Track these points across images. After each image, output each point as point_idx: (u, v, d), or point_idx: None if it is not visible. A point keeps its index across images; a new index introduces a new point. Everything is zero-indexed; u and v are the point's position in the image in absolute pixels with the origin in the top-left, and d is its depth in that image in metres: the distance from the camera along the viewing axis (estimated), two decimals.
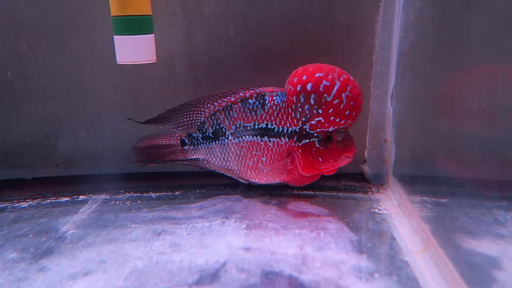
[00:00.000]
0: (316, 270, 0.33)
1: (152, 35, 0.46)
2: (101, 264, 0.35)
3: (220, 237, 0.40)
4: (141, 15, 0.45)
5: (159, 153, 0.50)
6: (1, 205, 0.48)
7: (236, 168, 0.48)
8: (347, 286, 0.31)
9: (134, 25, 0.45)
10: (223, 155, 0.48)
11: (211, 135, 0.47)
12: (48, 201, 0.49)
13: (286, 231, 0.40)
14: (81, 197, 0.50)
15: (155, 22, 0.48)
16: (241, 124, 0.46)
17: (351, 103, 0.42)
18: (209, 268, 0.34)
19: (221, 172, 0.50)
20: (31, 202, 0.49)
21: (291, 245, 0.38)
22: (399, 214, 0.44)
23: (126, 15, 0.44)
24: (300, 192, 0.51)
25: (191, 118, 0.48)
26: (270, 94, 0.45)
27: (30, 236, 0.41)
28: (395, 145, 0.51)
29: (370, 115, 0.53)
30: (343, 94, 0.42)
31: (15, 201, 0.49)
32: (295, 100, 0.43)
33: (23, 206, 0.48)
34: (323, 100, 0.42)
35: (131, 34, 0.45)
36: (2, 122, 0.51)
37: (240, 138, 0.46)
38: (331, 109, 0.42)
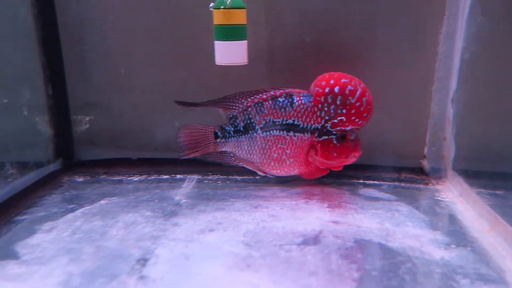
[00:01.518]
0: (400, 240, 0.40)
1: (246, 41, 0.54)
2: (220, 225, 0.44)
3: (308, 212, 0.47)
4: (239, 24, 0.53)
5: (195, 143, 0.54)
6: (118, 178, 0.58)
7: (259, 160, 0.54)
8: (430, 252, 0.38)
9: (233, 32, 0.53)
10: (249, 148, 0.54)
11: (241, 129, 0.53)
12: (153, 177, 0.58)
13: (364, 211, 0.48)
14: (178, 176, 0.59)
15: None
16: (271, 120, 0.52)
17: (368, 106, 0.51)
18: (309, 233, 0.42)
19: (243, 165, 0.55)
20: (140, 177, 0.58)
21: (371, 221, 0.45)
22: (462, 202, 0.50)
23: (227, 24, 0.52)
24: (365, 181, 0.58)
25: (227, 111, 0.54)
26: (298, 94, 0.53)
27: (156, 201, 0.50)
28: (455, 142, 0.57)
29: (431, 115, 0.59)
30: (364, 98, 0.51)
31: (126, 176, 0.59)
32: (322, 100, 0.51)
33: (134, 180, 0.58)
34: (347, 101, 0.50)
35: (230, 40, 0.53)
36: (113, 112, 0.61)
37: (267, 132, 0.53)
38: (353, 110, 0.51)
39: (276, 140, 0.52)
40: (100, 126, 0.62)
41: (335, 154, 0.52)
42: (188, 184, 0.56)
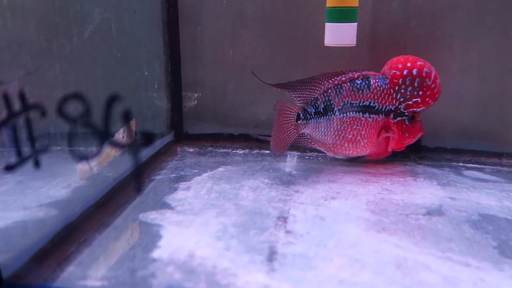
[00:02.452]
0: None
1: (356, 23, 0.56)
2: (338, 194, 0.47)
3: (421, 188, 0.49)
4: (351, 7, 0.55)
5: (282, 122, 0.53)
6: (224, 150, 0.63)
7: (332, 141, 0.55)
8: None
9: (345, 15, 0.55)
10: (326, 130, 0.55)
11: (322, 111, 0.54)
12: (255, 151, 0.63)
13: (476, 190, 0.49)
14: None
15: None
16: (349, 101, 0.54)
17: (440, 89, 0.53)
18: (429, 206, 0.44)
19: (316, 146, 0.56)
20: (244, 151, 0.63)
21: (489, 199, 0.46)
22: None
23: (340, 6, 0.55)
24: (466, 165, 0.59)
25: (310, 92, 0.54)
26: (374, 77, 0.54)
27: (270, 171, 0.54)
28: None
29: None
30: (437, 81, 0.53)
31: (231, 149, 0.63)
32: (400, 83, 0.53)
33: (240, 152, 0.62)
34: (424, 83, 0.52)
35: (342, 22, 0.55)
36: (218, 90, 0.66)
37: (345, 114, 0.54)
38: (429, 92, 0.53)
39: (352, 122, 0.54)
40: (206, 102, 0.67)
41: (406, 134, 0.54)
42: (291, 159, 0.60)
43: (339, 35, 0.56)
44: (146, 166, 0.53)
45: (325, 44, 0.57)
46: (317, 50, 0.61)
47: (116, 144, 0.29)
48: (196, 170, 0.55)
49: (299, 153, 0.63)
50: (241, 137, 0.67)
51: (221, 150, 0.64)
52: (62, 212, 0.38)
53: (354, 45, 0.57)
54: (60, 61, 0.33)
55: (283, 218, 0.42)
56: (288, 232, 0.39)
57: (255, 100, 0.66)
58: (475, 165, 0.58)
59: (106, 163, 0.36)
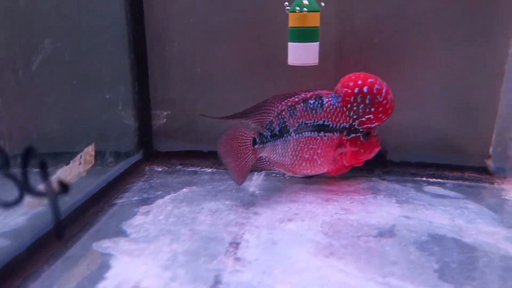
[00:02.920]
0: (474, 236, 0.42)
1: (318, 42, 0.57)
2: (296, 216, 0.48)
3: (379, 207, 0.50)
4: (313, 27, 0.56)
5: (238, 149, 0.52)
6: (193, 169, 0.63)
7: (290, 162, 0.55)
8: (506, 248, 0.40)
9: (306, 34, 0.56)
10: (283, 151, 0.55)
11: (277, 133, 0.54)
12: (223, 169, 0.63)
13: (432, 207, 0.50)
14: None
15: None
16: (303, 122, 0.54)
17: (392, 103, 0.54)
18: (383, 227, 0.45)
19: (275, 168, 0.56)
20: (212, 169, 0.63)
21: (442, 217, 0.47)
22: None
23: (302, 26, 0.55)
24: (429, 179, 0.59)
25: (265, 116, 0.54)
26: (327, 96, 0.55)
27: (233, 191, 0.54)
28: None
29: (498, 116, 0.59)
30: (389, 96, 0.54)
31: (199, 167, 0.64)
32: (352, 100, 0.54)
33: (208, 171, 0.63)
34: (376, 100, 0.53)
35: (303, 42, 0.56)
36: (188, 108, 0.66)
37: (300, 134, 0.55)
38: (381, 108, 0.54)
39: (308, 141, 0.55)
40: (176, 120, 0.68)
41: (362, 150, 0.55)
42: (258, 177, 0.61)
43: (302, 54, 0.56)
44: (108, 189, 0.53)
45: (289, 64, 0.58)
46: (284, 68, 0.62)
47: (38, 194, 0.29)
48: (160, 192, 0.55)
49: (265, 171, 0.64)
50: (211, 155, 0.68)
51: (189, 169, 0.64)
52: (14, 243, 0.38)
53: (317, 64, 0.58)
54: (4, 96, 0.34)
55: (235, 244, 0.42)
56: (237, 259, 0.39)
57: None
58: (438, 180, 0.59)
59: (32, 209, 0.36)
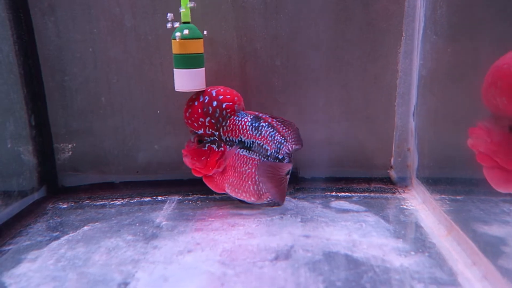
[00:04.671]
0: (365, 250, 0.44)
1: (203, 68, 0.56)
2: (198, 245, 0.46)
3: (282, 228, 0.50)
4: (196, 53, 0.55)
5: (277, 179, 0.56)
6: (101, 202, 0.60)
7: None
8: (391, 260, 0.41)
9: (191, 61, 0.55)
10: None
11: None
12: (135, 200, 0.61)
13: (334, 223, 0.51)
14: (159, 197, 0.61)
15: (215, 57, 0.60)
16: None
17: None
18: (281, 249, 0.45)
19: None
20: (122, 201, 0.60)
21: (340, 233, 0.48)
22: (424, 209, 0.54)
23: (184, 54, 0.54)
24: (338, 194, 0.61)
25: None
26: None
27: (137, 225, 0.52)
28: (417, 152, 0.61)
29: (395, 128, 0.63)
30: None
31: (109, 200, 0.61)
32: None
33: (117, 203, 0.60)
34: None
35: (188, 68, 0.55)
36: (95, 138, 0.63)
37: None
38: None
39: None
40: (83, 152, 0.64)
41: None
42: (169, 205, 0.59)
43: (188, 80, 0.55)
44: None
45: (176, 90, 0.57)
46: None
47: None
48: (57, 233, 0.51)
49: (179, 198, 0.62)
50: (122, 185, 0.65)
51: (98, 202, 0.61)
52: None
53: (204, 89, 0.57)
54: None
55: (124, 285, 0.40)
56: None
57: (135, 145, 0.65)
58: (346, 193, 0.61)
59: None
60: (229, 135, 0.56)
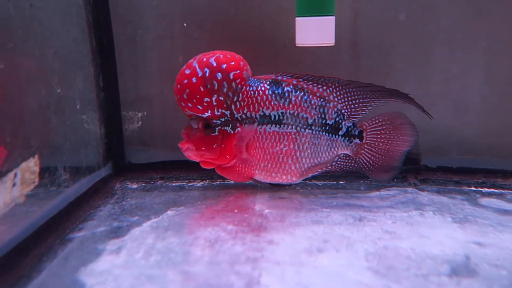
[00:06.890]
0: None
1: (334, 17, 0.45)
2: (326, 243, 0.34)
3: (432, 228, 0.37)
4: None
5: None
6: (178, 183, 0.49)
7: None
8: None
9: (320, 6, 0.44)
10: None
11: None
12: (218, 182, 0.49)
13: (505, 228, 0.37)
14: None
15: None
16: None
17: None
18: (453, 260, 0.32)
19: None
20: (202, 183, 0.49)
21: None
22: None
23: None
24: (481, 189, 0.47)
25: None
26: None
27: (236, 211, 0.41)
28: None
29: None
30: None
31: (186, 181, 0.50)
32: None
33: (197, 185, 0.49)
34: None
35: (316, 15, 0.44)
36: (174, 110, 0.52)
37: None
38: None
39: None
40: (154, 123, 0.53)
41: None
42: (263, 190, 0.47)
43: (313, 32, 0.44)
44: (61, 218, 0.38)
45: (297, 45, 0.46)
46: (288, 51, 0.50)
47: None
48: (136, 218, 0.40)
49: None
50: (199, 164, 0.54)
51: (174, 184, 0.50)
52: None
53: (333, 44, 0.45)
54: None
55: None
56: None
57: None
58: (492, 189, 0.47)
59: None
60: (245, 111, 0.43)
